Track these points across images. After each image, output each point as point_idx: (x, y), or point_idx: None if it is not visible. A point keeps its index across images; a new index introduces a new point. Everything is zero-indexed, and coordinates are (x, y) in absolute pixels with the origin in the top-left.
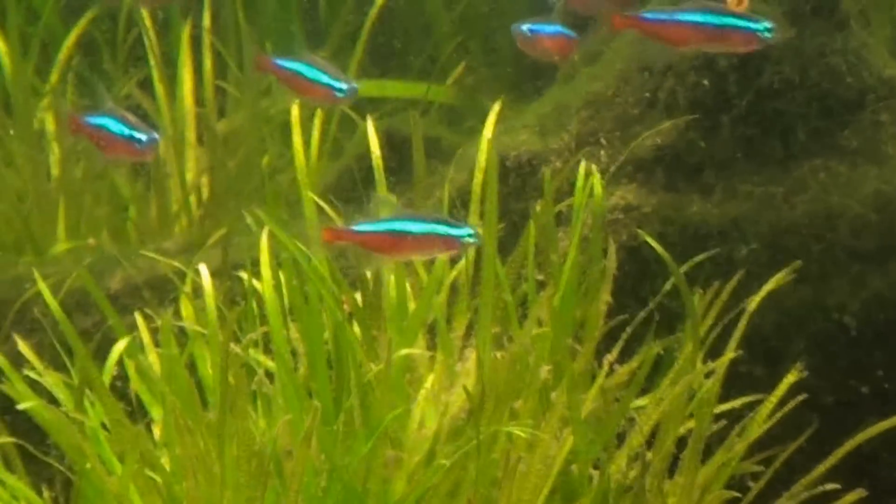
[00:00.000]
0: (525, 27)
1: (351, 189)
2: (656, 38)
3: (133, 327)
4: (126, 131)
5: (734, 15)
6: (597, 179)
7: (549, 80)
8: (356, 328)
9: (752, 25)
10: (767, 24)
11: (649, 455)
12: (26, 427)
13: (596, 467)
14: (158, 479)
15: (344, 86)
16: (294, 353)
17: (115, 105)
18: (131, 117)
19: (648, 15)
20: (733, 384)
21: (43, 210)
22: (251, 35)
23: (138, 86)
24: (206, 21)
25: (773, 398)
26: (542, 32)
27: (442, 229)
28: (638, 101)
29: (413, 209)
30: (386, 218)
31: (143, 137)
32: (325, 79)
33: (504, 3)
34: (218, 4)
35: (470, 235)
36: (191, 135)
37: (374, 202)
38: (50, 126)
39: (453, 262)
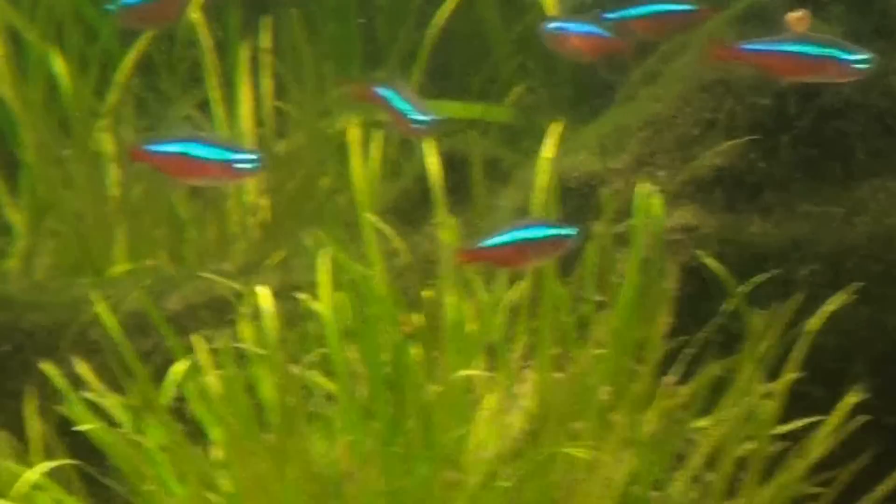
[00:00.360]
0: (553, 25)
1: (410, 210)
2: (756, 69)
3: (192, 349)
4: (220, 154)
5: (831, 45)
6: (656, 200)
7: (608, 100)
8: (416, 349)
9: (849, 57)
10: (864, 56)
11: (709, 476)
12: (86, 449)
13: (656, 489)
14: (218, 501)
15: (425, 118)
16: (353, 375)
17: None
18: (220, 138)
19: (748, 46)
20: (793, 405)
21: (101, 231)
22: (310, 55)
23: (197, 107)
24: (265, 42)
25: (834, 419)
26: (570, 30)
27: (554, 231)
28: (697, 122)
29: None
30: (506, 229)
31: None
32: (406, 108)
33: None
34: (277, 25)
35: (576, 233)
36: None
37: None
38: (108, 147)
39: (512, 282)
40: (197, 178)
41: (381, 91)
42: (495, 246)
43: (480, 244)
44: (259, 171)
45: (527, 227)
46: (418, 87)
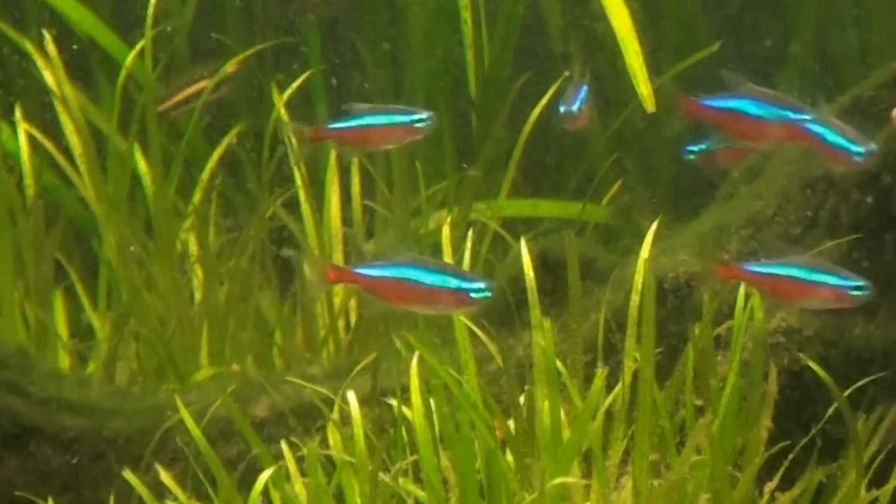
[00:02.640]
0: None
1: (504, 312)
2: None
3: (279, 456)
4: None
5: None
6: (757, 301)
7: (707, 198)
8: (509, 456)
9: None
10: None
11: None
12: None
13: None
14: None
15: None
16: (445, 483)
17: None
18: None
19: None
20: None
21: (185, 335)
22: (400, 154)
23: (284, 206)
24: None
25: None
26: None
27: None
28: (800, 220)
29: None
30: None
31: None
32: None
33: (660, 118)
34: None
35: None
36: (338, 257)
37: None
38: (193, 248)
39: (610, 388)
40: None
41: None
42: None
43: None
44: None
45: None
46: (512, 185)
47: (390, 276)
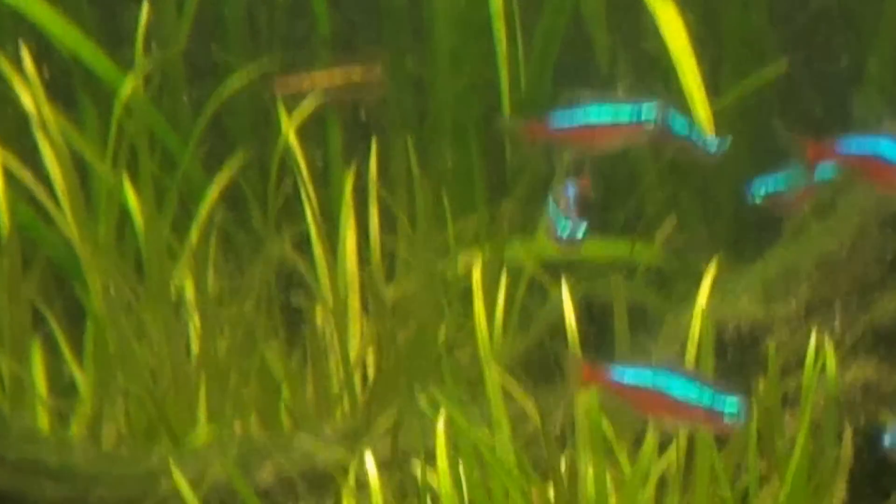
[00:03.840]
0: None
1: (541, 365)
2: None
3: None
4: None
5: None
6: (830, 354)
7: (773, 236)
8: None
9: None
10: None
11: None
12: None
13: None
14: None
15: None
16: None
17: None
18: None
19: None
20: None
21: (180, 391)
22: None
23: (293, 245)
24: (373, 169)
25: None
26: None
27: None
28: (878, 261)
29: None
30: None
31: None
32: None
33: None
34: (385, 150)
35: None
36: (355, 302)
37: None
38: (189, 293)
39: (662, 451)
40: None
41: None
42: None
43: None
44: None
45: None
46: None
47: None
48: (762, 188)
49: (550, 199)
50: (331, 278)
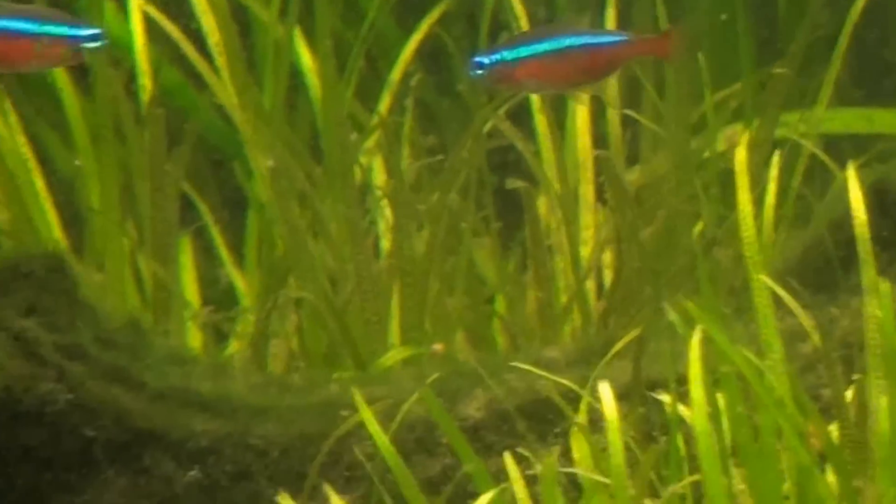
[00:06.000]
0: None
1: (823, 269)
2: None
3: (500, 474)
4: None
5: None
6: None
7: None
8: (830, 476)
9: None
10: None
11: None
12: None
13: None
14: None
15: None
16: None
17: None
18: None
19: None
20: None
21: (368, 301)
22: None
23: (508, 117)
24: (609, 18)
25: None
26: None
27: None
28: None
29: None
30: None
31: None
32: None
33: None
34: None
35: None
36: (587, 191)
37: None
38: (378, 177)
39: None
40: None
41: None
42: None
43: None
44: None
45: None
46: (835, 89)
47: None
48: None
49: None
50: (557, 159)
